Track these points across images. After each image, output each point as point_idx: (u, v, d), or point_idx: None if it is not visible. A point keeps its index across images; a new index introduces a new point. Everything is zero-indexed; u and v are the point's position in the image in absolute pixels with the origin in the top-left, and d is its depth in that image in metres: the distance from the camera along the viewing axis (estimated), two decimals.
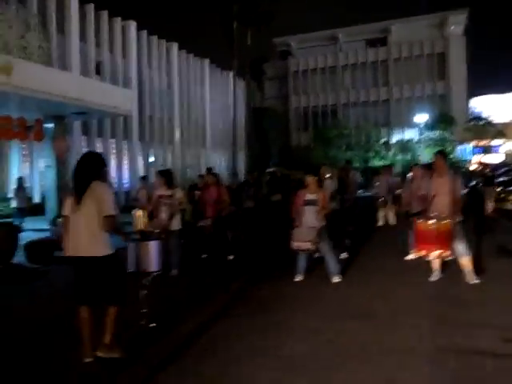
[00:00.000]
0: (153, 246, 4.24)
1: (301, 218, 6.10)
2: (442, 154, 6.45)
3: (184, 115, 25.24)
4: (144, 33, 22.11)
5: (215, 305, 5.24)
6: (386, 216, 11.15)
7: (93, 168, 3.73)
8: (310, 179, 6.22)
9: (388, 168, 11.74)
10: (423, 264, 6.17)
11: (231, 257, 7.80)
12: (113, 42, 20.11)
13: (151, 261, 4.22)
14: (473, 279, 5.73)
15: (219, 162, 28.60)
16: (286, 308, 5.09)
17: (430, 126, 33.30)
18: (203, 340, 4.22)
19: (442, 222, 5.63)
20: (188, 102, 25.69)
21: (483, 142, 36.29)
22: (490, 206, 11.19)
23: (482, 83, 51.54)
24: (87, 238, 3.63)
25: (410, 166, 10.62)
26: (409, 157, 33.09)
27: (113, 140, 20.38)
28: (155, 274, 4.30)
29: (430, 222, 5.66)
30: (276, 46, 41.59)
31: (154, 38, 22.82)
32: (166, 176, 7.02)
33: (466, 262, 5.78)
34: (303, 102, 40.59)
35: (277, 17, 29.64)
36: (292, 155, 36.23)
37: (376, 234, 10.18)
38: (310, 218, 6.04)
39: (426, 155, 34.03)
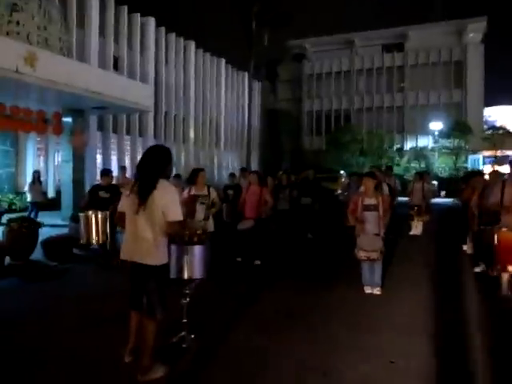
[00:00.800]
0: (198, 251, 3.91)
1: (362, 225, 5.70)
2: None
3: (199, 114, 24.97)
4: (162, 29, 21.89)
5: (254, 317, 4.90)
6: (417, 225, 10.80)
7: (161, 164, 3.36)
8: (369, 182, 5.81)
9: (423, 175, 11.31)
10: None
11: (258, 262, 7.51)
12: (131, 38, 19.89)
13: (195, 267, 3.88)
14: None
15: (232, 162, 28.30)
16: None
17: (444, 134, 32.87)
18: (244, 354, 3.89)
19: None
20: (203, 101, 25.43)
21: (497, 152, 35.80)
22: None
23: (498, 93, 50.95)
24: (147, 244, 3.27)
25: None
26: (423, 164, 32.67)
27: (128, 136, 20.12)
28: (198, 281, 3.98)
29: None
30: (290, 48, 41.27)
31: (172, 36, 22.58)
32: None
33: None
34: (316, 106, 40.26)
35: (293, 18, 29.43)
36: (303, 158, 35.91)
37: (414, 244, 9.78)
38: (371, 225, 5.67)
39: (439, 163, 33.73)
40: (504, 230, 5.33)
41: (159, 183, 3.27)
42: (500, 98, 38.29)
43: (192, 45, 24.12)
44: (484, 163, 37.30)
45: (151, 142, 21.25)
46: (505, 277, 5.48)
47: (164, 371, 3.40)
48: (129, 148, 20.26)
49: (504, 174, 7.78)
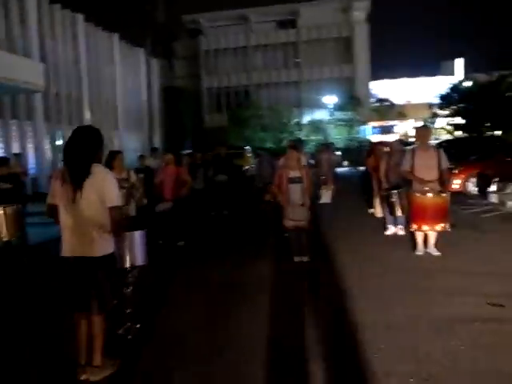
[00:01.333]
0: (139, 237, 3.70)
1: (287, 197, 5.90)
2: (426, 128, 6.62)
3: (93, 94, 23.31)
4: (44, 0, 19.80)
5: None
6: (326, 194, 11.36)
7: (92, 147, 3.06)
8: (293, 154, 5.96)
9: (329, 146, 11.87)
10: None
11: (182, 243, 7.40)
12: (7, 7, 17.65)
13: (137, 254, 3.68)
14: (436, 251, 6.02)
15: (133, 143, 27.08)
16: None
17: (339, 107, 34.90)
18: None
19: (442, 195, 5.75)
20: (97, 79, 23.75)
21: (383, 123, 39.04)
22: None
23: (379, 68, 55.20)
24: (89, 236, 3.00)
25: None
26: (321, 136, 34.39)
27: (14, 121, 18.13)
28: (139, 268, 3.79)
29: (431, 195, 5.73)
30: (185, 23, 40.13)
31: (57, 7, 20.55)
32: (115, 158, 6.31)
33: (434, 235, 6.04)
34: (215, 83, 39.95)
35: None
36: (205, 136, 35.69)
37: (326, 211, 10.28)
38: (296, 196, 5.87)
39: (335, 135, 35.80)
40: (417, 195, 5.83)
41: (93, 168, 3.02)
42: (381, 73, 41.41)
43: (80, 18, 22.23)
44: (373, 133, 40.60)
45: (42, 127, 19.45)
46: (419, 236, 6.06)
47: (115, 367, 3.21)
48: (16, 134, 18.28)
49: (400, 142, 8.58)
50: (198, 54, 39.87)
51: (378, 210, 8.82)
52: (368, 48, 37.86)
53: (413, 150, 6.10)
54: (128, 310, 3.74)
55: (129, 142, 26.79)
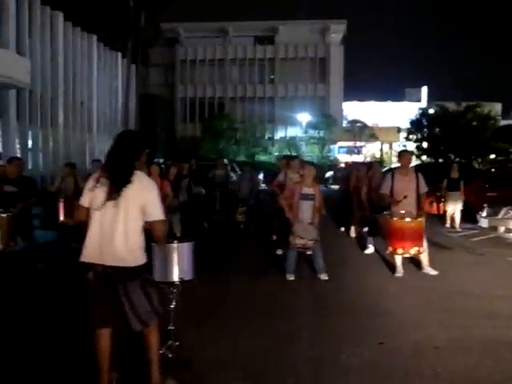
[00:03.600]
0: (187, 249, 3.48)
1: (297, 213, 5.73)
2: (408, 153, 6.73)
3: (69, 94, 22.48)
4: None
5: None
6: None
7: (135, 153, 2.89)
8: (310, 171, 5.84)
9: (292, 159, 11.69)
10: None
11: None
12: None
13: (185, 267, 3.45)
14: (432, 271, 6.08)
15: (105, 148, 26.27)
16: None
17: (312, 125, 35.49)
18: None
19: (418, 220, 5.80)
20: (74, 80, 22.94)
21: (352, 143, 40.01)
22: None
23: (350, 90, 56.88)
24: (121, 244, 2.76)
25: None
26: (294, 153, 34.76)
27: None
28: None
29: (407, 220, 5.77)
30: (163, 31, 39.74)
31: (37, 3, 19.80)
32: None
33: (425, 256, 6.10)
34: (190, 93, 39.76)
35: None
36: (177, 146, 35.28)
37: None
38: (307, 214, 5.71)
39: (308, 152, 36.26)
40: (394, 218, 5.87)
41: (135, 175, 2.82)
42: (350, 94, 42.59)
43: (60, 16, 21.51)
44: (339, 152, 41.53)
45: (14, 125, 18.51)
46: (397, 258, 6.09)
47: None
48: None
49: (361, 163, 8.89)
50: (174, 63, 39.62)
51: (353, 230, 8.99)
52: (342, 69, 38.93)
53: (393, 173, 6.20)
54: (171, 327, 3.50)
55: (102, 147, 26.00)
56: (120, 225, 2.75)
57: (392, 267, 6.26)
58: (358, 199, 8.44)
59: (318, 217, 5.92)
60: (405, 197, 5.78)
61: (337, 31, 38.58)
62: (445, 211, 10.57)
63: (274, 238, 8.76)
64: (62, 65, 21.76)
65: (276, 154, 37.32)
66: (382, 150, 44.11)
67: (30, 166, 19.52)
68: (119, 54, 28.18)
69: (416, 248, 5.72)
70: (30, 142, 19.96)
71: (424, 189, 6.05)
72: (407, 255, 5.95)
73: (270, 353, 3.61)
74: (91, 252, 2.79)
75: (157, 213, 2.82)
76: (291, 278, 5.82)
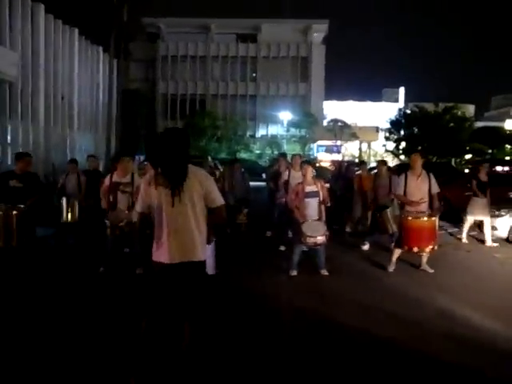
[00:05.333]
0: (210, 247, 3.55)
1: (304, 213, 5.83)
2: (419, 154, 6.91)
3: (49, 89, 21.96)
4: None
5: None
6: None
7: (185, 148, 2.97)
8: (309, 169, 5.94)
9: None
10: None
11: None
12: None
13: (209, 263, 3.53)
14: (429, 269, 6.31)
15: (86, 145, 25.83)
16: None
17: (293, 124, 35.72)
18: None
19: (432, 219, 6.04)
20: (54, 74, 22.43)
21: (332, 142, 40.46)
22: None
23: (331, 89, 57.58)
24: (190, 239, 2.87)
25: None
26: (275, 151, 34.90)
27: None
28: None
29: (423, 219, 6.00)
30: (144, 26, 39.28)
31: None
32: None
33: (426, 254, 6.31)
34: (171, 89, 39.40)
35: None
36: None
37: None
38: (313, 211, 5.82)
39: (289, 150, 36.42)
40: (409, 218, 6.09)
41: (191, 168, 2.95)
42: (330, 94, 43.17)
43: (41, 8, 20.99)
44: (318, 151, 41.97)
45: None
46: (396, 254, 6.32)
47: None
48: None
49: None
50: (155, 59, 39.17)
51: (349, 226, 9.33)
52: (323, 68, 39.27)
53: (406, 175, 6.41)
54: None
55: (82, 143, 25.57)
56: (191, 219, 2.85)
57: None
58: (362, 198, 8.65)
59: (325, 210, 6.02)
60: (421, 199, 6.03)
61: (319, 31, 38.90)
62: None
63: (269, 234, 8.89)
64: (43, 58, 21.27)
65: (258, 151, 37.60)
66: (360, 149, 44.81)
67: (9, 162, 19.04)
68: (100, 48, 27.71)
69: (430, 246, 5.99)
70: (8, 137, 19.45)
71: (436, 189, 6.24)
72: (423, 253, 6.20)
73: None
74: (164, 250, 2.86)
75: (219, 198, 2.96)
76: (294, 273, 5.92)
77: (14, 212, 5.06)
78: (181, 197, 2.84)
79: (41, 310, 4.44)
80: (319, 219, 5.91)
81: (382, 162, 8.81)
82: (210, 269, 3.58)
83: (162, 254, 2.88)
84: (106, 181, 5.91)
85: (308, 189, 5.95)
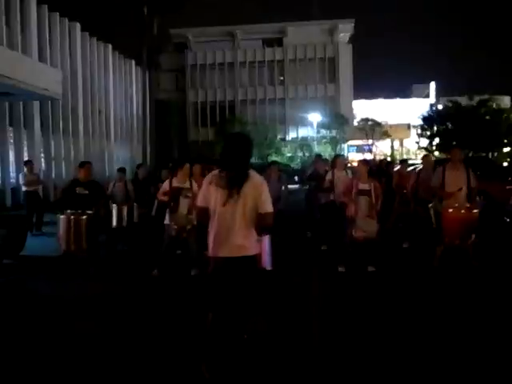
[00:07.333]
0: (268, 241, 3.75)
1: (356, 208, 5.97)
2: (459, 148, 6.90)
3: (88, 103, 22.94)
4: (44, 8, 19.48)
5: None
6: None
7: (249, 153, 3.20)
8: (363, 168, 6.08)
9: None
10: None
11: None
12: (9, 14, 17.27)
13: (265, 258, 3.73)
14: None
15: (123, 156, 26.72)
16: None
17: (324, 125, 35.68)
18: None
19: (473, 211, 6.03)
20: (91, 89, 23.40)
21: (364, 142, 40.16)
22: None
23: (359, 89, 57.06)
24: (242, 235, 3.12)
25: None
26: (307, 153, 34.95)
27: (11, 128, 17.61)
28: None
29: (462, 211, 6.01)
30: (172, 37, 40.23)
31: (56, 15, 20.26)
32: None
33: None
34: (201, 97, 40.11)
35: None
36: (190, 150, 35.62)
37: None
38: (364, 208, 5.96)
39: (320, 152, 36.41)
40: (450, 210, 6.06)
41: (250, 173, 3.17)
42: (359, 93, 42.74)
43: (77, 27, 21.96)
44: (349, 151, 41.70)
45: (38, 136, 18.97)
46: (439, 250, 6.24)
47: None
48: (12, 141, 17.73)
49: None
50: (184, 68, 40.02)
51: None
52: (351, 68, 39.07)
53: (443, 168, 6.39)
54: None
55: (119, 153, 26.46)
56: (241, 218, 3.08)
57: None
58: (401, 196, 8.66)
59: (376, 210, 6.07)
60: (460, 189, 5.98)
61: (345, 30, 38.76)
62: None
63: (309, 234, 9.03)
64: (81, 74, 22.22)
65: (289, 154, 37.74)
66: (392, 147, 44.24)
67: (53, 175, 19.97)
68: (133, 62, 28.64)
69: (471, 239, 5.97)
70: (52, 151, 20.38)
71: (475, 183, 6.23)
72: (465, 246, 6.11)
73: None
74: (217, 246, 3.12)
75: (269, 205, 3.14)
76: (342, 269, 6.07)
77: (84, 217, 5.43)
78: (235, 197, 3.08)
79: (117, 308, 4.77)
80: (369, 216, 6.03)
81: (427, 156, 8.80)
82: (268, 265, 3.74)
83: (217, 249, 3.14)
84: (165, 186, 6.23)
85: (361, 186, 6.09)
